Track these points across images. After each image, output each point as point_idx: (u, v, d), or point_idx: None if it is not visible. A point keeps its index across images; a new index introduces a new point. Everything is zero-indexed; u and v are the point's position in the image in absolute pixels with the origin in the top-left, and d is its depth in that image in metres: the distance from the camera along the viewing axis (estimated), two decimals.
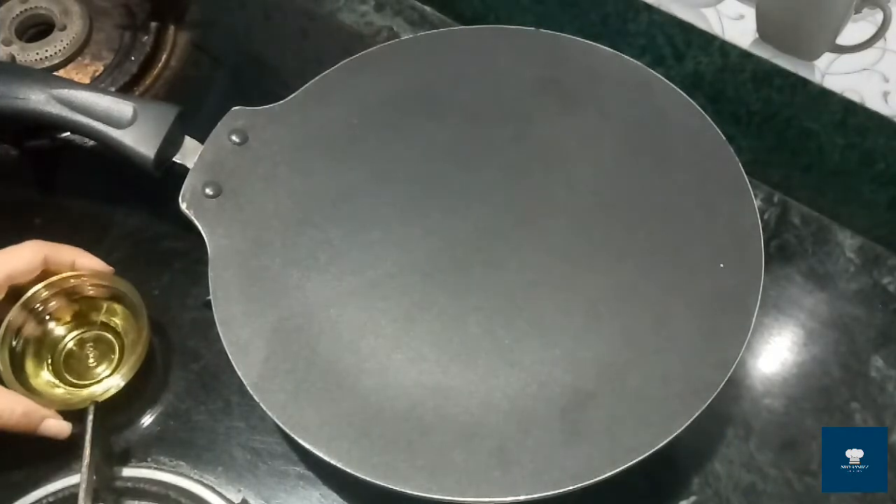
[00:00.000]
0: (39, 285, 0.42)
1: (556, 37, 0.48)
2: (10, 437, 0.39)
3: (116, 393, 0.41)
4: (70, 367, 0.44)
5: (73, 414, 0.41)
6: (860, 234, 0.49)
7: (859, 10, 0.40)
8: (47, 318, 0.44)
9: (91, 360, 0.44)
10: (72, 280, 0.43)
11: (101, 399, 0.41)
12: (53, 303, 0.43)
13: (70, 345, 0.44)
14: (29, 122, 0.46)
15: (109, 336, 0.44)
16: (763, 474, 0.42)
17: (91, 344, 0.44)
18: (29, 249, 0.42)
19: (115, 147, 0.44)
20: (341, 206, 0.43)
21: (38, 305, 0.43)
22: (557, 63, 0.48)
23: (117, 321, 0.44)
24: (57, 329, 0.44)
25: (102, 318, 0.44)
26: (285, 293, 0.41)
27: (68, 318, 0.44)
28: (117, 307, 0.44)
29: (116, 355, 0.44)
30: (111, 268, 0.44)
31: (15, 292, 0.42)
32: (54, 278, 0.42)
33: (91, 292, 0.44)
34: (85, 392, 0.42)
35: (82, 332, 0.44)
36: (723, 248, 0.41)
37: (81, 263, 0.43)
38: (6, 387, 0.40)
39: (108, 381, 0.42)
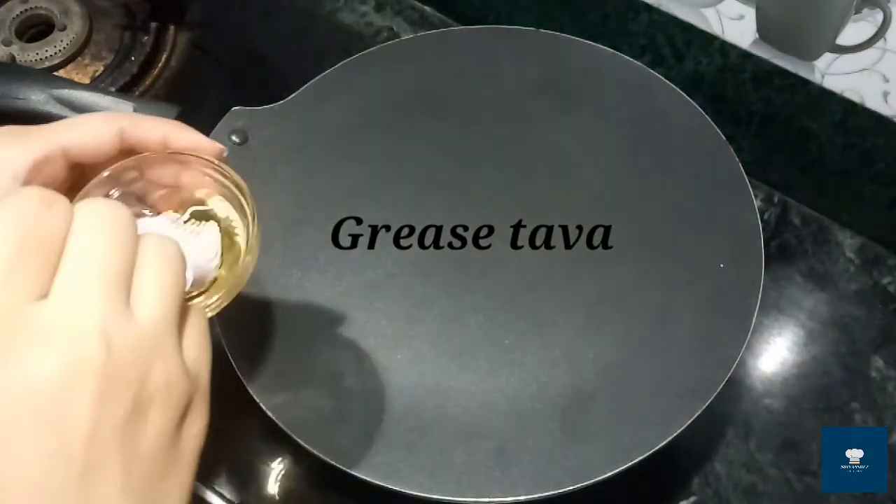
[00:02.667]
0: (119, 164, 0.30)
1: (556, 37, 0.48)
2: None
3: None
4: None
5: None
6: (860, 234, 0.49)
7: (859, 10, 0.40)
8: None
9: None
10: (157, 162, 0.30)
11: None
12: (139, 184, 0.30)
13: None
14: (29, 122, 0.45)
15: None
16: (763, 474, 0.42)
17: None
18: (97, 119, 0.30)
19: None
20: (341, 205, 0.43)
21: (116, 187, 0.30)
22: (557, 63, 0.48)
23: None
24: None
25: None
26: (285, 293, 0.41)
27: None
28: (220, 207, 0.31)
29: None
30: (220, 146, 0.31)
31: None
32: (140, 156, 0.30)
33: (187, 179, 0.31)
34: None
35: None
36: (723, 248, 0.41)
37: (176, 140, 0.30)
38: None
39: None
